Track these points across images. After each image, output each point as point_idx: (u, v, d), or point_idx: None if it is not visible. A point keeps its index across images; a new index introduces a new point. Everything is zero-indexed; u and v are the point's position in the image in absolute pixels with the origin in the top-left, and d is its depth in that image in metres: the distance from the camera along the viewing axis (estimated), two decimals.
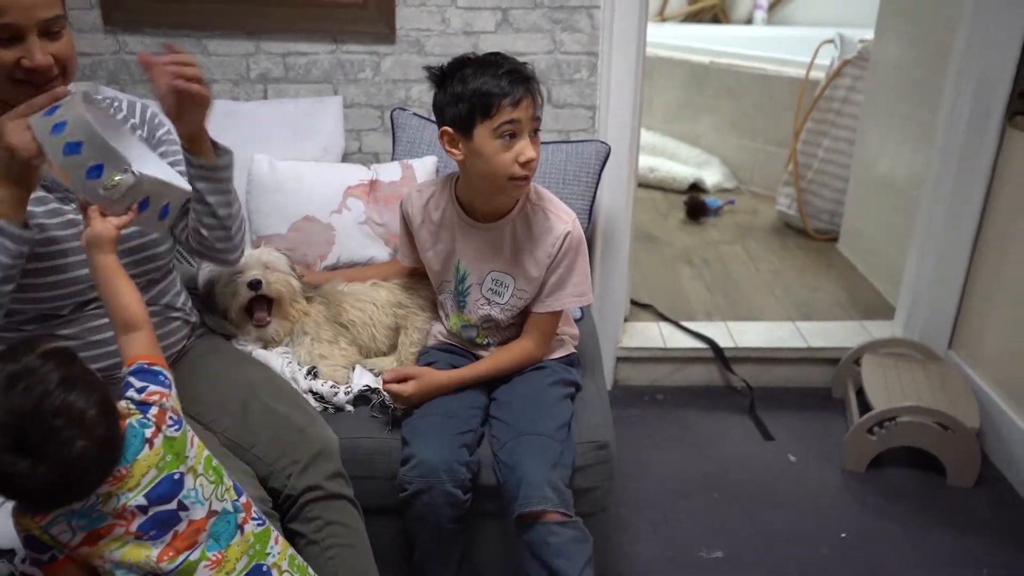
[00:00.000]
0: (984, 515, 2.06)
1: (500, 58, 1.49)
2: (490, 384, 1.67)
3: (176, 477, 1.11)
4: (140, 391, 1.14)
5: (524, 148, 1.47)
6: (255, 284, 1.68)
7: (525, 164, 1.47)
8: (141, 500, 1.08)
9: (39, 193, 1.36)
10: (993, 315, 2.28)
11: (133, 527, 1.09)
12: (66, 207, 1.40)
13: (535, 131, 1.50)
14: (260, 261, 1.72)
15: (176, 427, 1.14)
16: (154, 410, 1.13)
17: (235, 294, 1.69)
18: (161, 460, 1.11)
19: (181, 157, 1.50)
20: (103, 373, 1.44)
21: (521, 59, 2.18)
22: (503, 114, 1.44)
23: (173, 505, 1.11)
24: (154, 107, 1.54)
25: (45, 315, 1.40)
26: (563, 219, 1.59)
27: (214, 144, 1.45)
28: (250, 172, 2.03)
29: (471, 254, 1.63)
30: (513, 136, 1.46)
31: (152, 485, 1.09)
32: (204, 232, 1.49)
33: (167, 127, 1.54)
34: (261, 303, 1.71)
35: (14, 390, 0.97)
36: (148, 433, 1.10)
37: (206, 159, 1.42)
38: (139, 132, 1.50)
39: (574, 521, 1.44)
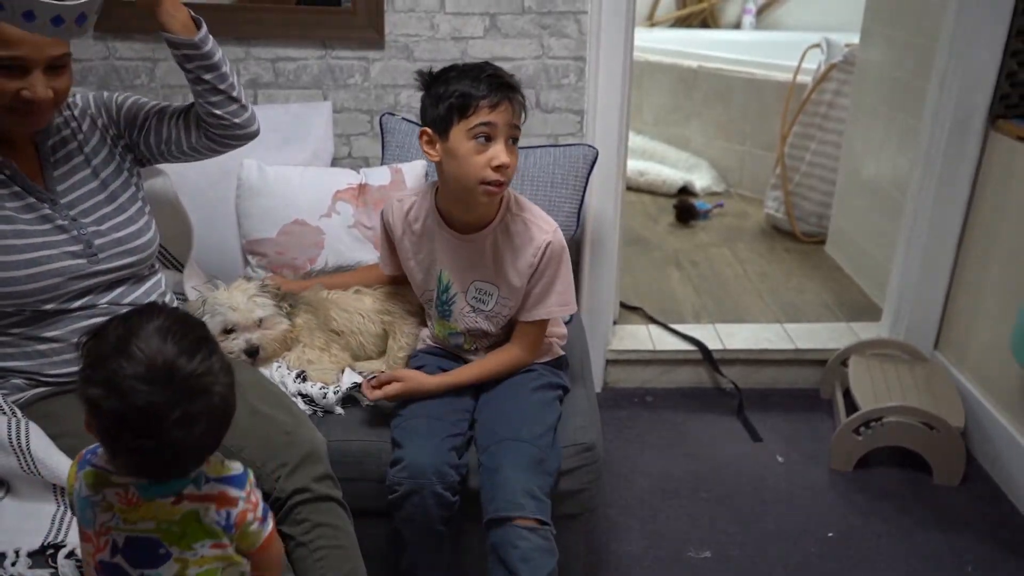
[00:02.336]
0: (969, 513, 2.08)
1: (487, 65, 1.50)
2: (477, 386, 1.68)
3: (162, 551, 1.02)
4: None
5: (498, 152, 1.46)
6: (252, 352, 1.66)
7: (498, 168, 1.46)
8: (121, 537, 1.02)
9: (14, 188, 1.39)
10: (978, 316, 2.30)
11: (96, 557, 1.04)
12: (42, 204, 1.42)
13: (513, 139, 1.49)
14: (252, 318, 1.66)
15: (225, 527, 1.05)
16: (250, 488, 1.08)
17: (229, 351, 1.64)
18: (178, 517, 1.02)
19: (147, 105, 1.57)
20: None
21: (509, 64, 2.23)
22: (480, 115, 1.45)
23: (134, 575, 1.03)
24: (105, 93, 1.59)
25: (29, 317, 1.41)
26: (544, 229, 1.59)
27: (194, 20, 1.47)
28: (239, 177, 2.04)
29: (453, 264, 1.64)
30: (489, 139, 1.46)
31: (141, 533, 1.02)
32: (218, 112, 1.52)
33: (117, 94, 1.58)
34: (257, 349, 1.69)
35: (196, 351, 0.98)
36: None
37: (182, 36, 1.44)
38: (100, 121, 1.54)
39: (544, 528, 1.43)
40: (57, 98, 1.36)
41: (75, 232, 1.44)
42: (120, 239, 1.49)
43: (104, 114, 1.56)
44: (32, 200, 1.41)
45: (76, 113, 1.53)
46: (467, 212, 1.59)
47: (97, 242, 1.46)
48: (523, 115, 1.52)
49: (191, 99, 1.56)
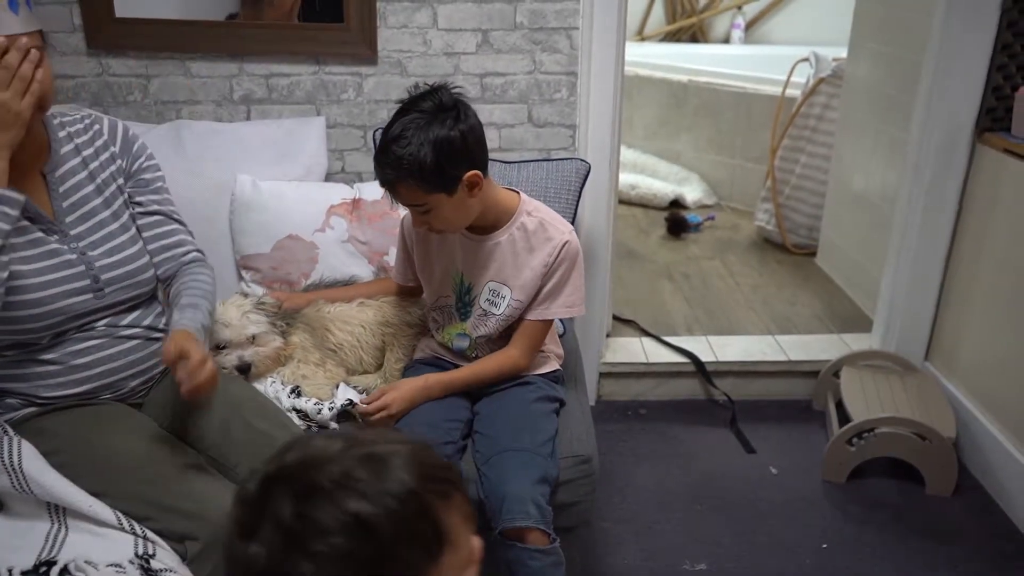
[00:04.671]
0: (962, 523, 2.09)
1: (386, 150, 1.49)
2: (474, 397, 1.69)
3: None
4: None
5: (416, 216, 1.57)
6: (244, 369, 1.66)
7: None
8: None
9: (22, 222, 1.35)
10: (968, 326, 2.32)
11: None
12: (49, 238, 1.39)
13: (421, 211, 1.53)
14: (244, 334, 1.66)
15: None
16: None
17: (221, 367, 1.64)
18: None
19: (158, 186, 1.54)
20: (85, 397, 1.45)
21: (501, 79, 2.24)
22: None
23: None
24: (137, 133, 1.55)
25: (23, 343, 1.39)
26: (561, 230, 1.63)
27: None
28: (233, 192, 2.04)
29: (470, 265, 1.66)
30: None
31: None
32: None
33: (144, 156, 1.54)
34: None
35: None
36: None
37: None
38: (119, 161, 1.50)
39: (553, 548, 1.47)
40: (43, 98, 1.31)
41: (83, 267, 1.41)
42: (129, 272, 1.47)
43: (127, 162, 1.52)
44: (39, 234, 1.38)
45: (100, 144, 1.49)
46: (477, 218, 1.61)
47: (104, 276, 1.43)
48: (424, 189, 1.48)
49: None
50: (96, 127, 1.51)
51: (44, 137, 1.43)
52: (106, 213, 1.47)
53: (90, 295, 1.41)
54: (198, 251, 1.61)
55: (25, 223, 1.36)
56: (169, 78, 2.26)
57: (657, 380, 2.63)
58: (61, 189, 1.43)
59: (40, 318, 1.37)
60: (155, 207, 1.55)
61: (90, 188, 1.46)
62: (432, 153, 1.45)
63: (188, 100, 2.28)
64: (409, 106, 1.50)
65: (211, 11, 2.23)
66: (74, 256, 1.41)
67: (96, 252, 1.43)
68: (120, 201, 1.50)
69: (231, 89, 2.28)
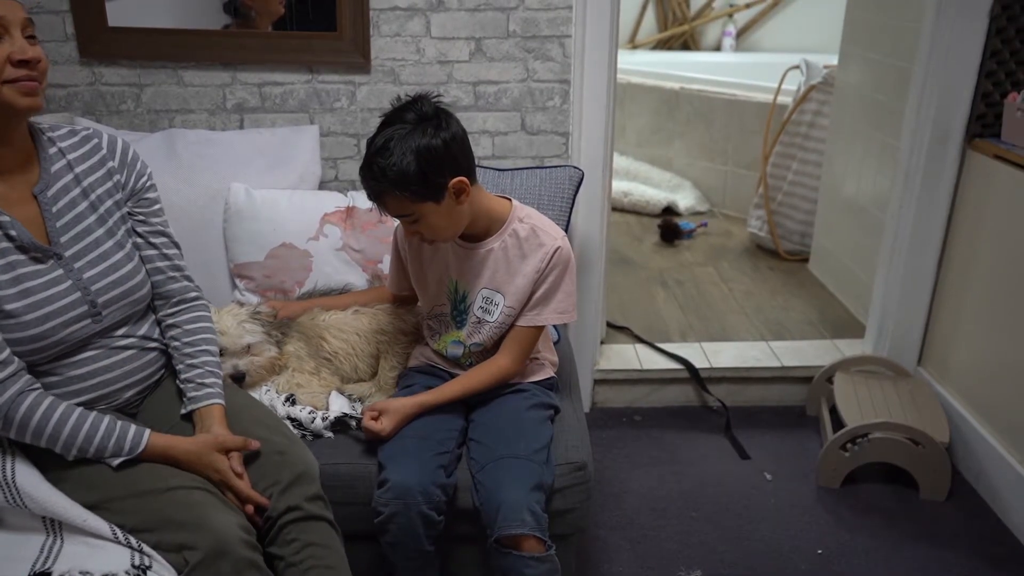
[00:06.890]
0: (956, 528, 2.09)
1: (371, 162, 1.49)
2: (468, 406, 1.68)
3: None
4: None
5: (406, 226, 1.58)
6: (239, 379, 1.67)
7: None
8: None
9: (18, 256, 1.33)
10: (960, 331, 2.33)
11: None
12: (42, 265, 1.36)
13: (411, 221, 1.54)
14: (241, 344, 1.67)
15: None
16: None
17: None
18: None
19: (158, 208, 1.53)
20: (86, 407, 1.43)
21: (495, 87, 2.25)
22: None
23: None
24: (134, 147, 1.53)
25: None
26: (553, 236, 1.64)
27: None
28: (227, 201, 2.04)
29: (463, 273, 1.67)
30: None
31: None
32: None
33: (147, 176, 1.53)
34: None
35: None
36: None
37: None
38: (116, 177, 1.47)
39: (549, 556, 1.47)
40: (41, 73, 1.30)
41: (79, 294, 1.38)
42: (125, 292, 1.44)
43: (126, 178, 1.49)
44: (31, 266, 1.34)
45: (96, 159, 1.45)
46: (469, 226, 1.61)
47: (101, 299, 1.40)
48: (411, 199, 1.49)
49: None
50: (94, 141, 1.47)
51: (32, 150, 1.39)
52: (101, 231, 1.44)
53: (88, 320, 1.39)
54: (190, 278, 1.60)
55: (17, 256, 1.33)
56: (162, 87, 2.26)
57: (651, 387, 2.63)
58: (55, 209, 1.39)
59: (40, 350, 1.35)
60: (160, 228, 1.54)
61: (84, 205, 1.43)
62: (415, 162, 1.46)
63: (181, 109, 2.28)
64: (391, 118, 1.52)
65: (204, 20, 2.24)
66: (69, 283, 1.37)
67: (92, 272, 1.41)
68: (116, 217, 1.47)
69: (224, 98, 2.28)
